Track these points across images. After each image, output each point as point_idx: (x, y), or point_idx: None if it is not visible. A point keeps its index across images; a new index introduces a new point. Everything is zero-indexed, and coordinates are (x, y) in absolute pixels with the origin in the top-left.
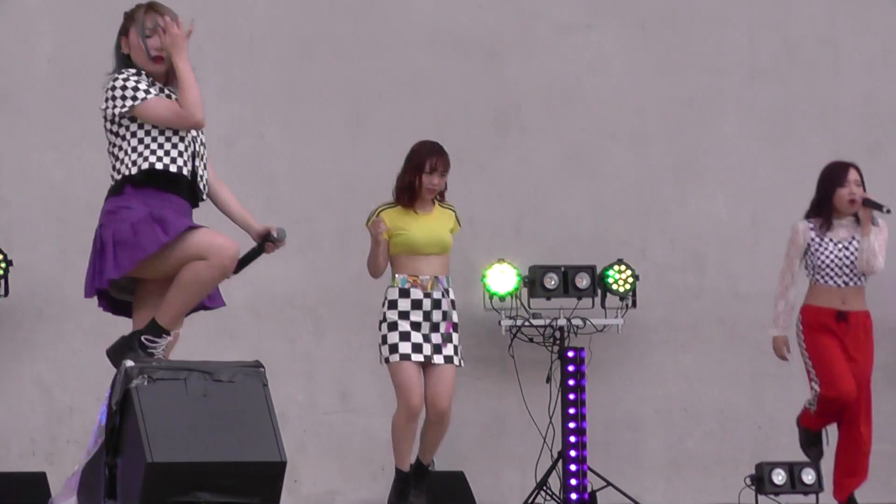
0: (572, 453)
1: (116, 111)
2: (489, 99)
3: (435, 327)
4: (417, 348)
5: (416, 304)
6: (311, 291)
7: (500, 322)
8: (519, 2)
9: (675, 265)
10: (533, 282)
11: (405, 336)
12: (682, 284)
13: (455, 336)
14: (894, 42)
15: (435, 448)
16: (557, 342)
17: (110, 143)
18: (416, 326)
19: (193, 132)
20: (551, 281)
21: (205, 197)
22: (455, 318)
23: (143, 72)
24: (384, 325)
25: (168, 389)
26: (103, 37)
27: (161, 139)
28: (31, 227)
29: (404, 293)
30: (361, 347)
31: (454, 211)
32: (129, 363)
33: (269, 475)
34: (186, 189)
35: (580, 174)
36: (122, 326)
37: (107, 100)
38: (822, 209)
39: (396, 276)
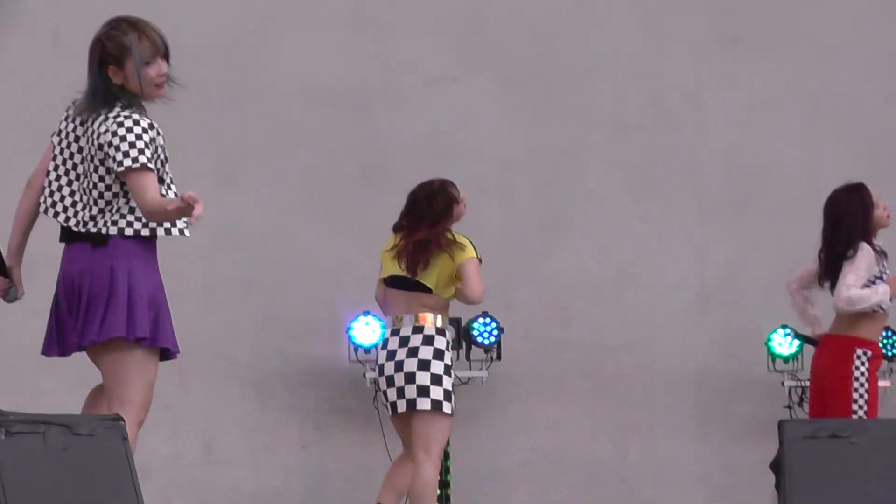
0: None
1: (116, 167)
2: (357, 151)
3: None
4: None
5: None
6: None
7: (364, 374)
8: (387, 53)
9: (540, 317)
10: None
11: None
12: (547, 336)
13: None
14: (758, 98)
15: None
16: None
17: (100, 178)
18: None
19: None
20: None
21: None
22: None
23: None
24: (451, 376)
25: (26, 443)
26: None
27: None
28: None
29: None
30: (226, 399)
31: None
32: None
33: None
34: None
35: None
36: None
37: (119, 137)
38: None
39: (443, 320)
